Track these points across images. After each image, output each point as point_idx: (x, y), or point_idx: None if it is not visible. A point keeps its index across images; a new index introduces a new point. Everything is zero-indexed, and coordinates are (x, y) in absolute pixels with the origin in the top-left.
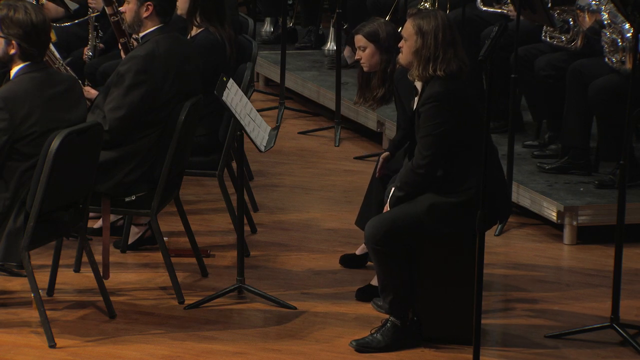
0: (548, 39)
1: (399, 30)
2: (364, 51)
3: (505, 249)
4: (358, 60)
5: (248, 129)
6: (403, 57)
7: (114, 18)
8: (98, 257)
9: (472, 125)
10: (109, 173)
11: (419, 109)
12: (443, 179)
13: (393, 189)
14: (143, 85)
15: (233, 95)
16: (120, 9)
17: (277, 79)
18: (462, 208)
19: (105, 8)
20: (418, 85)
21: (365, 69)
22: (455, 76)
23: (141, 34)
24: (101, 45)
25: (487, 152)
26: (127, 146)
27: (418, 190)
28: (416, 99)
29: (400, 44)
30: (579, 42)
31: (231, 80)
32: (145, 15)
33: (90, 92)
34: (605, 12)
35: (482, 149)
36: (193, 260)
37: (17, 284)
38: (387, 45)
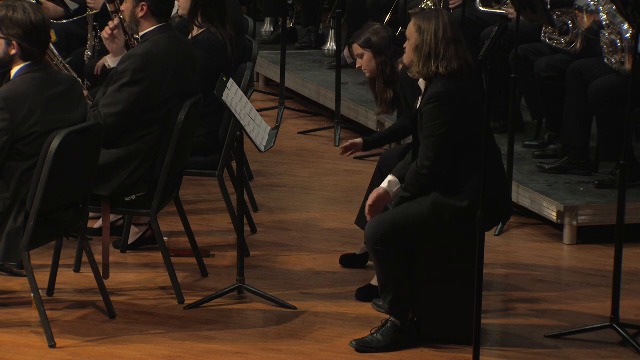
0: (547, 41)
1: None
2: (362, 58)
3: (505, 249)
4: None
5: (248, 129)
6: (406, 56)
7: (115, 16)
8: (98, 257)
9: (476, 125)
10: (110, 176)
11: (422, 109)
12: (446, 179)
13: (389, 180)
14: (140, 83)
15: (233, 95)
16: (121, 8)
17: (277, 79)
18: (464, 209)
19: (107, 6)
20: (422, 84)
21: (367, 74)
22: (458, 75)
23: (141, 34)
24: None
25: (487, 152)
26: (128, 147)
27: (423, 191)
28: (420, 98)
29: (405, 44)
30: (579, 44)
31: (231, 80)
32: (140, 15)
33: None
34: (603, 12)
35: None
36: (193, 260)
37: (17, 284)
38: (382, 48)
